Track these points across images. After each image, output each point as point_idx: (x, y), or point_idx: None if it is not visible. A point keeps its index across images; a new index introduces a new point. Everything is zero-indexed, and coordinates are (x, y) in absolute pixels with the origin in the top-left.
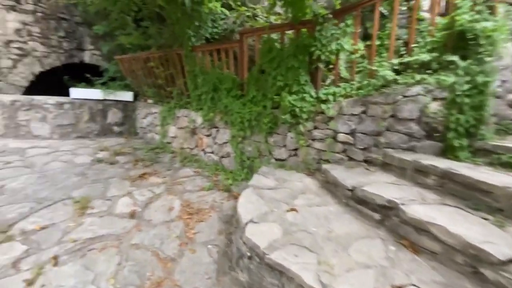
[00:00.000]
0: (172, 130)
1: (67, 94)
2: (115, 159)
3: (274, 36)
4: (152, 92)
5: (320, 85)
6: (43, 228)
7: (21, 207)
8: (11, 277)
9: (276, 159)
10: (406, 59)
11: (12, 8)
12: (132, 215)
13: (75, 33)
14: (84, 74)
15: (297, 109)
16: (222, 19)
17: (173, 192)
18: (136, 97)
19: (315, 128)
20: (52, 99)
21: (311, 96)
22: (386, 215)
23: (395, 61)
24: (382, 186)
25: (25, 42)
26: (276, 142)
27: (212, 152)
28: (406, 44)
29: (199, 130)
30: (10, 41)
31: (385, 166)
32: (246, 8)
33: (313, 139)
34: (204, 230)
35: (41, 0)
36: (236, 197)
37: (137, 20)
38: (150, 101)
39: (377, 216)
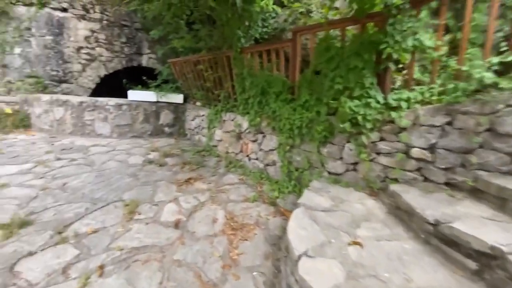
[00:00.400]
0: (218, 134)
1: (125, 94)
2: (164, 160)
3: (333, 33)
4: (201, 95)
5: (389, 89)
6: (94, 231)
7: (78, 207)
8: (59, 286)
9: (330, 173)
10: (510, 57)
11: (83, 17)
12: (176, 224)
13: (134, 38)
14: (141, 76)
15: (359, 117)
16: (273, 17)
17: (217, 201)
18: (186, 99)
19: (382, 140)
20: (112, 101)
21: (378, 102)
22: (486, 265)
23: (495, 59)
24: (477, 223)
25: (93, 48)
26: (330, 153)
27: (256, 159)
28: (507, 38)
29: (244, 135)
30: (81, 48)
31: (476, 193)
32: (300, 4)
33: (378, 153)
34: (249, 251)
35: (107, 9)
36: (282, 214)
37: (189, 23)
38: (198, 103)
39: (473, 264)
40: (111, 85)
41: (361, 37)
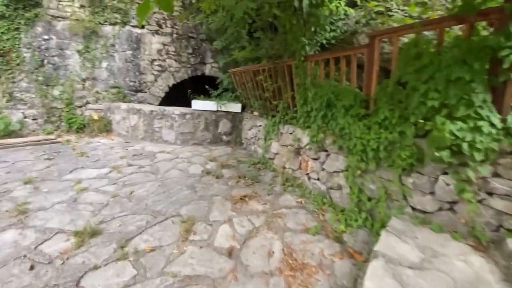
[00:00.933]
0: (274, 146)
1: (189, 101)
2: (221, 172)
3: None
4: (259, 105)
5: (510, 109)
6: (152, 250)
7: (140, 219)
8: None
9: (415, 209)
10: None
11: (156, 32)
12: (230, 253)
13: (199, 49)
14: (204, 84)
15: (464, 144)
16: (342, 19)
17: (273, 228)
18: (243, 108)
19: (496, 176)
20: (177, 110)
21: (493, 126)
22: None
23: None
24: None
25: (164, 60)
26: (417, 185)
27: (318, 179)
28: None
29: (304, 151)
30: (154, 60)
31: None
32: (377, 3)
33: (490, 193)
34: None
35: (177, 23)
36: (351, 255)
37: (250, 32)
38: (256, 113)
39: None
40: (177, 93)
41: (469, 40)
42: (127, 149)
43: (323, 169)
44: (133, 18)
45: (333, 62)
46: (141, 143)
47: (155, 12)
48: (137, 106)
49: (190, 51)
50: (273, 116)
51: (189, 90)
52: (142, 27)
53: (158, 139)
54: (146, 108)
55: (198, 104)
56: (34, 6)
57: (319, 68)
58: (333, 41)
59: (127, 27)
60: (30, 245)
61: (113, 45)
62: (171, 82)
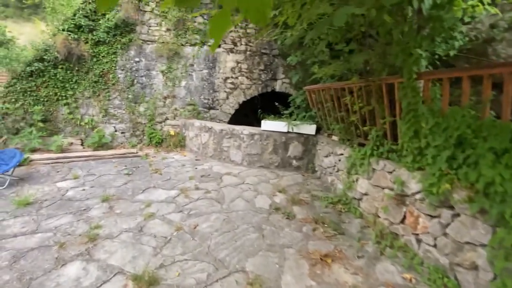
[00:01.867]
0: (362, 185)
1: (258, 118)
2: (292, 209)
3: None
4: (340, 129)
5: None
6: None
7: (201, 269)
8: None
9: None
10: None
11: (231, 50)
12: None
13: (271, 65)
14: (273, 101)
15: None
16: (467, 23)
17: None
18: (318, 130)
19: None
20: (246, 130)
21: None
22: None
23: None
24: None
25: (236, 78)
26: None
27: (434, 246)
28: None
29: (412, 200)
30: (227, 78)
31: None
32: None
33: None
34: None
35: (251, 41)
36: None
37: (330, 44)
38: (335, 138)
39: None
40: (246, 109)
41: None
42: (196, 168)
43: (445, 234)
44: (211, 38)
45: (468, 82)
46: (210, 161)
47: (231, 31)
48: (209, 124)
49: (262, 67)
50: (361, 145)
51: (259, 110)
52: (218, 46)
53: (225, 159)
54: (217, 126)
55: (267, 125)
56: (129, 32)
57: (442, 89)
58: (451, 53)
59: (205, 47)
60: (90, 286)
61: (192, 65)
62: (242, 99)
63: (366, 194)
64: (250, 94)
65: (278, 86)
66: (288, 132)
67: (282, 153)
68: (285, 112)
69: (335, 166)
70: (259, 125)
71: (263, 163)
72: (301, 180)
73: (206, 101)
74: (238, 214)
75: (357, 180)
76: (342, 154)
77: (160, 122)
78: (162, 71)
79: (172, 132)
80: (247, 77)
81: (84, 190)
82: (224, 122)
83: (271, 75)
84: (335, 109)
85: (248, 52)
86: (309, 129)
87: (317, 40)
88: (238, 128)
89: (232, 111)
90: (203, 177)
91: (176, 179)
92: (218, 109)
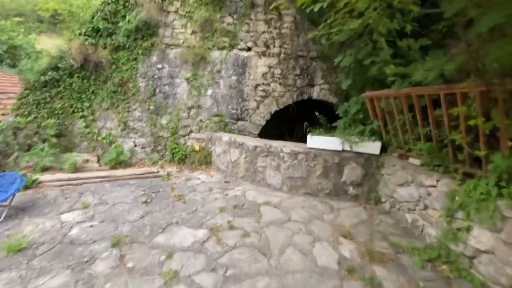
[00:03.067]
0: (481, 237)
1: (289, 130)
2: (373, 272)
3: None
4: (427, 150)
5: None
6: None
7: None
8: None
9: None
10: None
11: (263, 54)
12: None
13: (308, 69)
14: (309, 110)
15: None
16: None
17: None
18: (383, 149)
19: None
20: (287, 147)
21: None
22: None
23: None
24: None
25: (268, 84)
26: None
27: None
28: None
29: None
30: (258, 85)
31: None
32: None
33: None
34: None
35: (286, 42)
36: None
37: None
38: (414, 161)
39: None
40: (277, 119)
41: None
42: (226, 194)
43: None
44: (241, 40)
45: None
46: (241, 184)
47: (263, 32)
48: (239, 139)
49: (297, 72)
50: (466, 176)
51: (305, 123)
52: (249, 49)
53: (260, 181)
54: (249, 142)
55: (315, 141)
56: (152, 35)
57: None
58: None
59: (234, 51)
60: None
61: (219, 71)
62: (274, 108)
63: (488, 252)
64: (284, 103)
65: (316, 93)
66: (343, 150)
67: (335, 178)
68: (335, 124)
69: (419, 201)
70: (291, 137)
71: (309, 189)
72: (365, 216)
73: (234, 111)
74: (295, 278)
75: (469, 229)
76: (433, 186)
77: (184, 136)
78: (186, 79)
79: (196, 147)
80: (280, 84)
81: (92, 226)
82: (254, 134)
83: (308, 81)
84: (416, 122)
85: (282, 55)
86: (372, 147)
87: (375, 35)
88: (276, 144)
89: (263, 122)
90: (237, 209)
91: (204, 211)
92: (247, 120)
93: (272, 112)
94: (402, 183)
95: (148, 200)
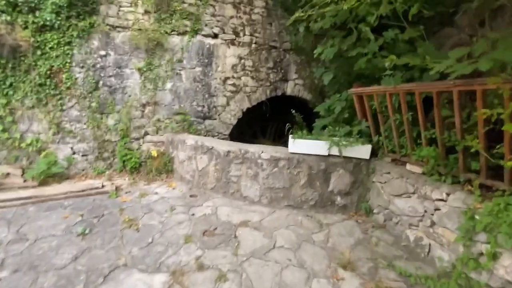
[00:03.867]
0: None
1: (263, 129)
2: None
3: None
4: (433, 156)
5: None
6: None
7: None
8: None
9: None
10: None
11: (232, 42)
12: None
13: (282, 62)
14: (285, 107)
15: None
16: None
17: None
18: (373, 153)
19: None
20: (266, 153)
21: None
22: None
23: None
24: None
25: (238, 78)
26: None
27: None
28: None
29: None
30: (227, 78)
31: None
32: None
33: None
34: None
35: (257, 30)
36: None
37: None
38: (415, 168)
39: None
40: (249, 117)
41: None
42: (193, 215)
43: None
44: (206, 25)
45: None
46: (212, 198)
47: (232, 16)
48: (208, 142)
49: (270, 65)
50: (484, 188)
51: (287, 125)
52: (215, 35)
53: (234, 193)
54: (220, 147)
55: (298, 145)
56: (90, 13)
57: None
58: None
59: (198, 37)
60: None
61: (180, 61)
62: (246, 105)
63: None
64: (256, 99)
65: (290, 89)
66: (330, 155)
67: (321, 187)
68: (318, 124)
69: (424, 216)
70: (264, 136)
71: (293, 201)
72: (359, 233)
73: (200, 108)
74: None
75: (496, 255)
76: (442, 200)
77: (138, 139)
78: (139, 69)
79: (154, 153)
80: (252, 77)
81: None
82: (224, 135)
83: (282, 75)
84: (414, 123)
85: (253, 45)
86: (362, 151)
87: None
88: (253, 149)
89: (234, 121)
90: (207, 236)
91: (163, 243)
92: (216, 119)
93: (244, 110)
94: (400, 193)
95: (87, 231)
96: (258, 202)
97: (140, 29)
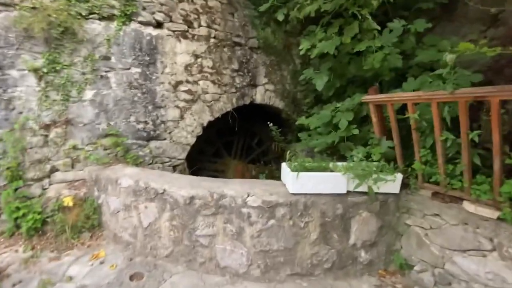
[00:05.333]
0: None
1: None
2: None
3: None
4: None
5: None
6: None
7: None
8: None
9: None
10: None
11: (183, 35)
12: None
13: (248, 63)
14: (252, 116)
15: None
16: None
17: None
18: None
19: None
20: (255, 197)
21: None
22: None
23: None
24: None
25: (195, 82)
26: None
27: None
28: None
29: None
30: (179, 83)
31: None
32: None
33: None
34: None
35: (215, 20)
36: None
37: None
38: (482, 210)
39: None
40: (210, 134)
41: None
42: None
43: None
44: (144, 8)
45: None
46: (168, 274)
47: (181, 0)
48: (157, 181)
49: (235, 66)
50: None
51: (280, 144)
52: (159, 25)
53: (206, 264)
54: (177, 190)
55: (304, 182)
56: None
57: None
58: None
59: (133, 25)
60: None
61: (106, 58)
62: (207, 118)
63: None
64: (220, 110)
65: (260, 96)
66: (348, 192)
67: (340, 240)
68: (315, 143)
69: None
70: (230, 153)
71: (300, 267)
72: None
73: (141, 125)
74: None
75: None
76: None
77: (39, 180)
78: (35, 70)
79: (68, 201)
80: (213, 82)
81: None
82: (179, 160)
83: (249, 79)
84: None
85: (212, 40)
86: (392, 184)
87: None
88: (232, 192)
89: (192, 140)
90: None
91: None
92: (165, 139)
93: (205, 124)
94: (465, 249)
95: None
96: (245, 274)
97: (34, 8)
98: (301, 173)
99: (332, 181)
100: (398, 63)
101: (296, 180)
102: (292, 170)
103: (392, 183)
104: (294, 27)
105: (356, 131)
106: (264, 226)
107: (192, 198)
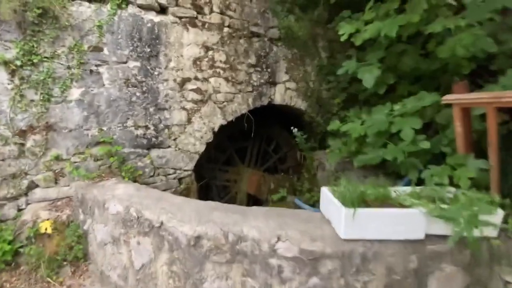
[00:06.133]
0: None
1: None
2: None
3: None
4: None
5: None
6: None
7: None
8: None
9: None
10: None
11: (192, 23)
12: None
13: (267, 57)
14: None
15: None
16: None
17: None
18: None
19: None
20: (291, 247)
21: None
22: None
23: None
24: None
25: (205, 80)
26: None
27: None
28: None
29: None
30: (186, 80)
31: None
32: None
33: None
34: None
35: (231, 6)
36: None
37: None
38: None
39: None
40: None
41: None
42: None
43: None
44: None
45: None
46: None
47: None
48: (152, 212)
49: (252, 60)
50: None
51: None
52: (163, 10)
53: None
54: (178, 224)
55: (363, 223)
56: None
57: None
58: None
59: (131, 9)
60: None
61: (97, 49)
62: (219, 122)
63: None
64: (233, 112)
65: (279, 95)
66: (427, 236)
67: None
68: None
69: None
70: (243, 161)
71: None
72: None
73: (140, 131)
74: None
75: None
76: None
77: (13, 199)
78: (5, 63)
79: (46, 227)
80: (226, 79)
81: None
82: (186, 172)
83: (268, 76)
84: None
85: (226, 29)
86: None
87: None
88: (255, 231)
89: (201, 148)
90: None
91: None
92: (170, 146)
93: (216, 129)
94: None
95: None
96: None
97: None
98: (360, 210)
99: (405, 221)
100: (491, 48)
101: (351, 221)
102: (345, 204)
103: (492, 227)
104: (320, 15)
105: (426, 145)
106: (303, 286)
107: (198, 238)
